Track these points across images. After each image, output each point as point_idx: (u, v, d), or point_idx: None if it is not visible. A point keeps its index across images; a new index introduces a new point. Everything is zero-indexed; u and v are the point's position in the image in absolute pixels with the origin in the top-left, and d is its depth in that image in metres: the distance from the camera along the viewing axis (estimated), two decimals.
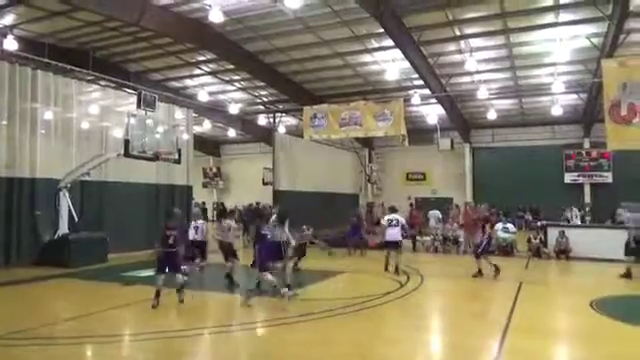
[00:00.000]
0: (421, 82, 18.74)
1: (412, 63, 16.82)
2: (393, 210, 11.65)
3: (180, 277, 7.55)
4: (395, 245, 10.91)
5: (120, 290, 8.81)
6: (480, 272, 10.39)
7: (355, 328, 6.68)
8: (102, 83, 14.41)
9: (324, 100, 20.10)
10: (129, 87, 14.26)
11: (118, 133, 13.01)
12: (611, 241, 12.05)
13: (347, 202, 22.00)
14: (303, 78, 20.66)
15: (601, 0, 12.50)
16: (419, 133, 24.43)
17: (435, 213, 17.43)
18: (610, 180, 24.13)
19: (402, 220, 11.46)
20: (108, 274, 10.39)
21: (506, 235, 14.92)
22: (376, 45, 16.61)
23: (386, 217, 11.42)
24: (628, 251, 10.65)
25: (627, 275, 10.39)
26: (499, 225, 14.97)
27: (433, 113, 23.05)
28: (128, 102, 13.23)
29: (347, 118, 16.40)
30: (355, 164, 25.46)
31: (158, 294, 7.27)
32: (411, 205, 21.77)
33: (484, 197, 25.30)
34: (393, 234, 10.93)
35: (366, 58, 17.99)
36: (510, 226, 15.45)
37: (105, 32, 16.20)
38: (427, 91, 19.29)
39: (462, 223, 15.16)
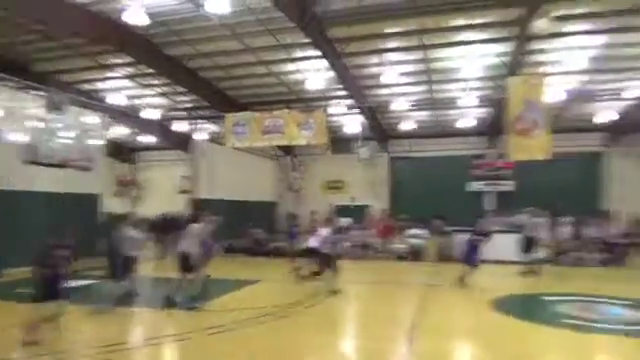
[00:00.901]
0: (344, 92, 19.25)
1: (336, 73, 17.25)
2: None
3: (60, 303, 6.47)
4: (313, 253, 10.93)
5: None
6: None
7: (273, 337, 6.66)
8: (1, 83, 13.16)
9: (247, 107, 19.94)
10: (36, 88, 13.18)
11: (21, 138, 11.99)
12: (511, 244, 13.15)
13: (266, 210, 21.99)
14: (227, 85, 20.34)
15: (508, 22, 13.63)
16: (340, 142, 24.98)
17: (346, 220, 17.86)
18: (512, 188, 26.22)
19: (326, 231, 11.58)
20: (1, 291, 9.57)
21: (417, 241, 15.71)
22: (301, 55, 16.80)
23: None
24: (526, 250, 11.75)
25: (530, 272, 11.39)
26: (413, 231, 15.78)
27: (354, 123, 23.73)
28: (34, 105, 12.25)
29: (270, 126, 16.43)
30: (276, 172, 25.47)
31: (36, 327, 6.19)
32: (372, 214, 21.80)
33: (400, 205, 26.48)
34: (313, 241, 11.03)
35: (290, 67, 18.13)
36: (423, 232, 16.30)
37: (9, 28, 14.86)
38: (349, 101, 19.85)
39: (378, 230, 15.80)
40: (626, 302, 8.80)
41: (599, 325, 7.41)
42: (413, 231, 15.98)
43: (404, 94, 20.45)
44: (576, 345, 6.52)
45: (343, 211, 24.12)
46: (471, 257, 10.57)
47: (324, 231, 10.93)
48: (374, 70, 18.06)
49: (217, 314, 7.69)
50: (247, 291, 10.10)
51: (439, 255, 15.45)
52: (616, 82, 18.78)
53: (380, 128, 26.11)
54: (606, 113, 22.23)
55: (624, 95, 19.16)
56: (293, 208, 27.25)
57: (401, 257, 16.47)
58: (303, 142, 16.85)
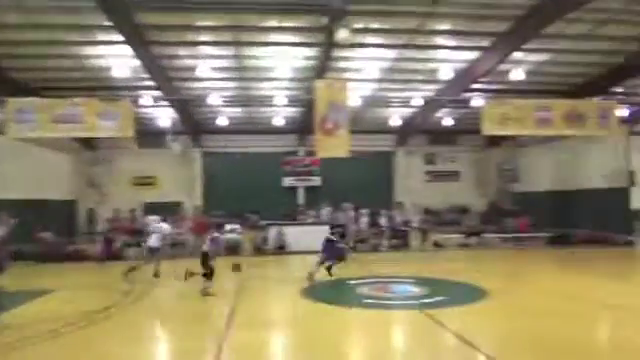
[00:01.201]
0: (153, 83, 18.11)
1: (143, 62, 16.12)
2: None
3: None
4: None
5: None
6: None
7: (77, 349, 6.00)
8: None
9: (38, 93, 17.34)
10: None
11: None
12: (317, 235, 14.08)
13: (64, 209, 19.56)
14: (10, 65, 17.29)
15: (315, 29, 14.51)
16: (150, 136, 23.54)
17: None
18: (319, 183, 28.19)
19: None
20: None
21: (233, 236, 15.83)
22: (104, 38, 15.23)
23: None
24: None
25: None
26: (227, 227, 15.83)
27: (165, 116, 22.58)
28: None
29: (65, 115, 14.61)
30: (76, 167, 22.77)
31: None
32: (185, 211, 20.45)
33: (214, 201, 26.21)
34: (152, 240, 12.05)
35: (92, 51, 16.29)
36: (237, 227, 16.47)
37: None
38: (159, 93, 18.78)
39: (191, 227, 15.43)
40: (412, 280, 10.21)
41: (394, 302, 8.46)
42: (228, 226, 16.01)
43: (218, 89, 20.20)
44: (377, 321, 7.31)
45: (154, 208, 22.79)
46: (330, 252, 11.03)
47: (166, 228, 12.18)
48: (187, 62, 17.40)
49: (2, 331, 6.52)
50: (40, 302, 8.80)
51: (255, 249, 15.78)
52: (405, 91, 21.60)
53: (193, 122, 25.38)
54: (396, 118, 25.44)
55: (412, 103, 22.15)
56: (96, 206, 24.78)
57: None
58: (104, 134, 15.36)
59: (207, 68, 17.23)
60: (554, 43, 16.17)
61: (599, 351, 5.82)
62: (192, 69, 17.64)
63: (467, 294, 8.94)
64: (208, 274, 9.42)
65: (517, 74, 17.74)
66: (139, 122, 18.54)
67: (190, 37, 15.43)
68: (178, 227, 15.94)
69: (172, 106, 20.79)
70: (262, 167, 27.23)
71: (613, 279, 10.29)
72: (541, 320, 7.03)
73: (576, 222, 18.73)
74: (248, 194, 26.01)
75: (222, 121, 23.90)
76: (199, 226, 18.49)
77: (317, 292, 9.07)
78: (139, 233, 15.15)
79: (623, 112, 18.22)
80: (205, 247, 9.53)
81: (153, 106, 20.46)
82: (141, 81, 18.45)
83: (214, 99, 19.63)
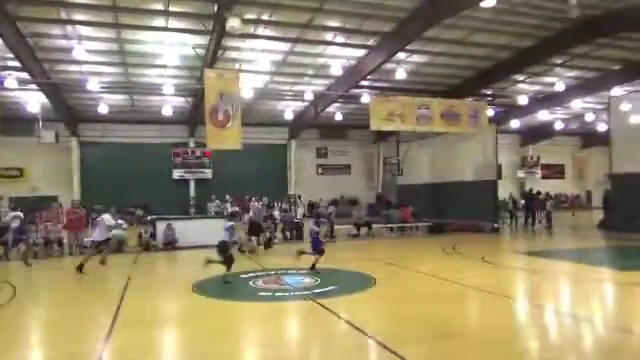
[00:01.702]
0: (18, 64, 16.16)
1: (4, 40, 14.29)
2: None
3: None
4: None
5: None
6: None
7: None
8: None
9: None
10: None
11: None
12: (209, 229, 13.69)
13: None
14: None
15: (205, 16, 13.98)
16: (15, 122, 21.14)
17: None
18: (210, 176, 27.47)
19: None
20: None
21: (118, 232, 14.78)
22: None
23: None
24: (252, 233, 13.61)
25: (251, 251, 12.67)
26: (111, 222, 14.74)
27: (34, 101, 20.36)
28: None
29: None
30: None
31: None
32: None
33: (94, 194, 24.26)
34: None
35: None
36: (121, 222, 15.40)
37: None
38: (26, 75, 16.82)
39: (65, 223, 14.14)
40: (302, 271, 10.36)
41: (288, 294, 8.50)
42: (112, 221, 14.84)
43: (97, 74, 18.67)
44: (270, 313, 7.28)
45: (22, 203, 20.43)
46: (316, 244, 10.70)
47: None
48: (59, 43, 15.80)
49: None
50: None
51: (142, 244, 14.87)
52: (296, 85, 21.80)
53: (69, 109, 23.22)
54: (289, 111, 25.62)
55: (304, 97, 22.42)
56: None
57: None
58: None
59: (83, 50, 15.80)
60: (433, 46, 17.41)
61: (477, 331, 6.37)
62: (66, 50, 16.08)
63: (357, 283, 9.29)
64: (227, 264, 9.34)
65: (400, 73, 18.81)
66: (2, 107, 16.53)
67: (62, 15, 13.99)
68: (53, 223, 14.44)
69: (42, 90, 18.75)
70: (150, 159, 25.84)
71: (478, 262, 11.41)
72: (424, 304, 7.54)
73: (451, 212, 20.42)
74: (134, 187, 24.53)
75: (103, 109, 22.17)
76: (76, 221, 16.94)
77: (209, 287, 8.81)
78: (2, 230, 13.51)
79: (491, 112, 20.24)
80: (224, 237, 9.46)
81: (19, 89, 18.33)
82: (4, 60, 16.39)
83: (93, 85, 18.12)
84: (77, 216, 14.13)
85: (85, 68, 18.10)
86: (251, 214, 15.25)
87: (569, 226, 22.48)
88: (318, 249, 10.59)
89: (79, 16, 14.20)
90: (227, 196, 22.69)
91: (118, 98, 22.49)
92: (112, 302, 7.71)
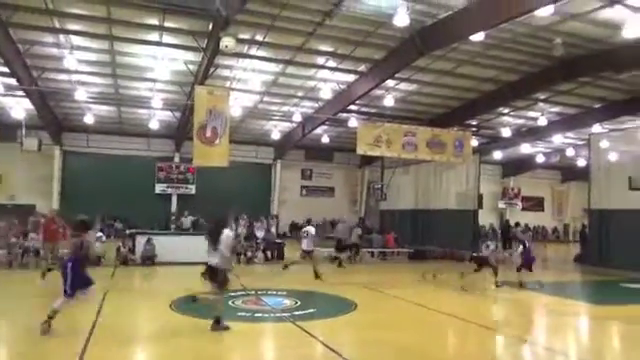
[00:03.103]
0: (6, 69, 16.02)
1: None
2: None
3: None
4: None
5: None
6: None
7: None
8: None
9: None
10: None
11: None
12: (191, 246, 13.52)
13: None
14: None
15: (199, 33, 14.11)
16: None
17: None
18: (193, 192, 27.27)
19: None
20: None
21: (96, 244, 14.56)
22: None
23: None
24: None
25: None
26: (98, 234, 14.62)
27: (19, 107, 20.13)
28: None
29: None
30: None
31: None
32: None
33: (74, 205, 23.84)
34: None
35: None
36: (100, 235, 15.22)
37: None
38: (13, 81, 16.68)
39: (45, 233, 13.86)
40: (285, 292, 10.30)
41: (267, 315, 8.44)
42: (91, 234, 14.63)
43: (85, 84, 18.60)
44: (249, 334, 7.21)
45: None
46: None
47: None
48: (50, 51, 15.74)
49: None
50: None
51: (120, 258, 14.63)
52: (285, 106, 21.99)
53: (54, 118, 23.00)
54: (276, 131, 25.76)
55: (292, 118, 22.59)
56: None
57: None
58: None
59: (74, 60, 15.77)
60: (421, 75, 17.79)
61: None
62: (57, 59, 16.04)
63: (337, 306, 9.27)
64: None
65: (389, 100, 19.14)
66: None
67: (56, 23, 13.97)
68: (35, 232, 14.16)
69: (28, 97, 18.56)
70: (133, 171, 25.60)
71: (458, 291, 11.49)
72: (402, 331, 7.56)
73: (433, 239, 20.57)
74: (116, 199, 24.21)
75: (89, 119, 22.02)
76: (55, 232, 16.60)
77: (188, 306, 8.69)
78: None
79: (475, 143, 20.64)
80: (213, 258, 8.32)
81: (4, 94, 18.16)
82: None
83: (81, 94, 18.04)
84: (56, 226, 13.87)
85: (74, 77, 18.02)
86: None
87: (546, 259, 22.77)
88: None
89: (73, 26, 14.19)
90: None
91: (105, 109, 22.36)
92: (88, 317, 7.57)
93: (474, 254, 13.65)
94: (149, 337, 7.15)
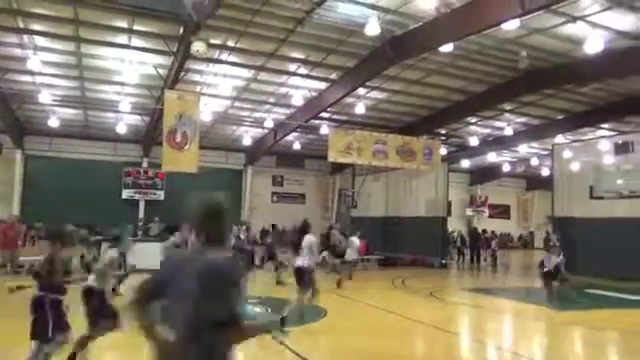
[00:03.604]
0: None
1: None
2: None
3: None
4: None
5: None
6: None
7: None
8: None
9: None
10: None
11: None
12: (159, 252, 13.25)
13: None
14: None
15: (169, 37, 13.91)
16: None
17: None
18: (162, 198, 26.77)
19: None
20: None
21: None
22: None
23: None
24: None
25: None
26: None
27: None
28: None
29: None
30: None
31: None
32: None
33: (36, 211, 23.13)
34: None
35: None
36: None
37: None
38: None
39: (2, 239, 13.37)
40: (256, 300, 10.21)
41: None
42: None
43: (50, 86, 18.07)
44: None
45: None
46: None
47: None
48: (12, 51, 15.23)
49: None
50: None
51: (85, 267, 14.17)
52: (257, 112, 21.88)
53: (15, 121, 22.24)
54: (247, 137, 25.60)
55: (264, 124, 22.48)
56: None
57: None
58: None
59: (38, 61, 15.30)
60: (392, 84, 18.02)
61: None
62: (20, 60, 15.53)
63: (307, 313, 9.23)
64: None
65: (360, 108, 19.31)
66: None
67: (21, 24, 13.54)
68: None
69: None
70: (99, 177, 24.92)
71: (427, 297, 11.63)
72: (372, 338, 7.58)
73: (403, 246, 20.78)
74: (81, 205, 23.51)
75: (53, 122, 21.36)
76: (11, 239, 15.99)
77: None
78: None
79: (443, 151, 21.03)
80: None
81: None
82: None
83: (45, 97, 17.50)
84: (13, 233, 13.38)
85: (38, 79, 17.47)
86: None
87: (512, 265, 23.32)
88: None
89: (37, 26, 13.76)
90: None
91: (71, 112, 21.74)
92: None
93: (443, 261, 13.81)
94: (110, 349, 6.94)
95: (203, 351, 2.23)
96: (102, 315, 5.78)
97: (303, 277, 7.84)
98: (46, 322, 5.14)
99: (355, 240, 14.16)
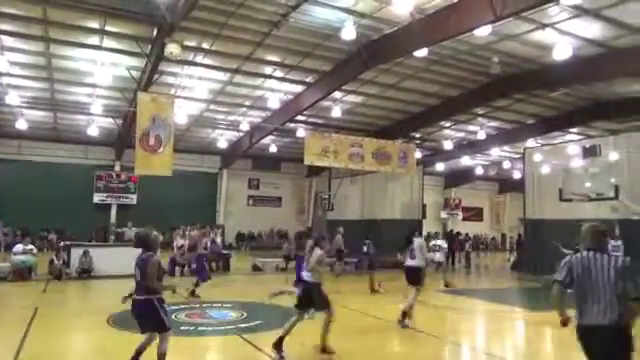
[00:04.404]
0: None
1: None
2: None
3: None
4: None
5: None
6: None
7: None
8: None
9: None
10: None
11: None
12: (132, 258, 13.04)
13: None
14: None
15: (143, 39, 13.70)
16: None
17: None
18: (135, 202, 26.30)
19: None
20: None
21: (25, 258, 13.76)
22: None
23: None
24: None
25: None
26: (18, 247, 13.83)
27: None
28: None
29: None
30: None
31: None
32: None
33: (4, 215, 22.49)
34: None
35: None
36: (31, 247, 14.36)
37: None
38: None
39: None
40: (230, 304, 10.08)
41: (212, 328, 8.21)
42: (18, 247, 13.76)
43: (18, 87, 17.58)
44: (192, 348, 6.98)
45: None
46: (201, 272, 11.45)
47: None
48: None
49: None
50: None
51: (52, 273, 13.80)
52: (232, 115, 21.73)
53: None
54: (222, 140, 25.38)
55: (239, 127, 22.32)
56: None
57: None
58: None
59: (6, 62, 14.88)
60: (367, 88, 18.16)
61: None
62: None
63: (283, 317, 9.15)
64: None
65: (336, 111, 19.38)
66: None
67: None
68: None
69: None
70: (70, 180, 24.38)
71: (402, 300, 11.73)
72: (350, 340, 7.59)
73: (379, 249, 20.86)
74: (50, 210, 22.94)
75: (22, 125, 20.78)
76: None
77: (127, 321, 8.31)
78: None
79: (418, 154, 21.26)
80: None
81: None
82: None
83: (13, 99, 17.02)
84: None
85: (6, 80, 16.98)
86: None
87: (485, 266, 23.71)
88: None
89: (5, 26, 13.38)
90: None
91: (40, 115, 21.19)
92: (15, 336, 7.07)
93: None
94: (82, 354, 6.79)
95: None
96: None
97: (418, 275, 8.68)
98: None
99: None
